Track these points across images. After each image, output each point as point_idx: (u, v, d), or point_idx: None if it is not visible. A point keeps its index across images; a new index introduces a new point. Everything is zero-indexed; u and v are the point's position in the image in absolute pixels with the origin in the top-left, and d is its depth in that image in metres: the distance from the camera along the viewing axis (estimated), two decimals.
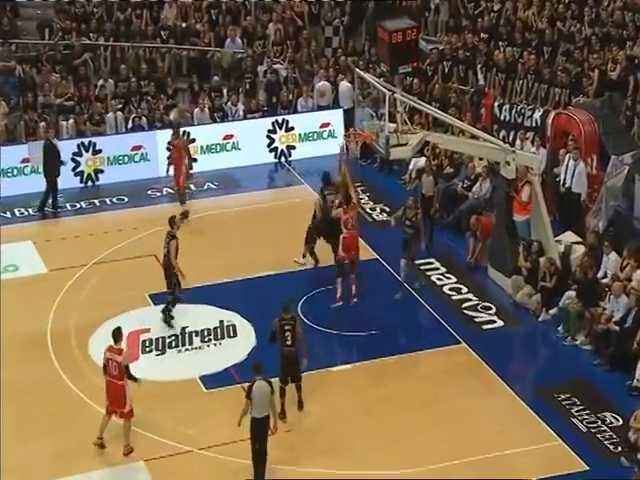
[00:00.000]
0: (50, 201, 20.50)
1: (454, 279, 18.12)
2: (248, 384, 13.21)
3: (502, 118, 21.11)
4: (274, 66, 24.16)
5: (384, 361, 15.84)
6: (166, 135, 21.93)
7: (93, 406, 14.65)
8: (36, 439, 14.08)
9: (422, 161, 20.51)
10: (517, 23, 23.31)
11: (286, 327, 14.37)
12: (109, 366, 13.89)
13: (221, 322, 16.79)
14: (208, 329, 16.63)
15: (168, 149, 21.27)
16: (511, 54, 22.49)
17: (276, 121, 22.87)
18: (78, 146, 21.49)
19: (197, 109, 22.96)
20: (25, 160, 21.01)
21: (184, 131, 21.46)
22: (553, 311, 16.77)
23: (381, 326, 16.62)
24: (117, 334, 14.05)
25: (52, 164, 20.57)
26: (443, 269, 18.42)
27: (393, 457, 13.71)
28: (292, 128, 22.89)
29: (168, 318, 16.73)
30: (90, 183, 21.70)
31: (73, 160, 21.34)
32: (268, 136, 22.79)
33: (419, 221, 17.64)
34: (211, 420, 14.60)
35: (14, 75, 23.49)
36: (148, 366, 15.66)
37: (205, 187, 21.59)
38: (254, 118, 23.12)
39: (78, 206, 20.85)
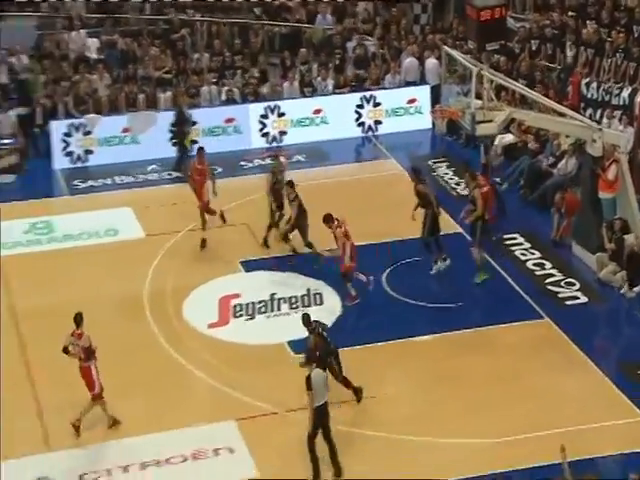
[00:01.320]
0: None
1: (538, 254, 17.63)
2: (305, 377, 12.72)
3: (589, 96, 20.47)
4: (363, 42, 23.87)
5: (467, 333, 15.50)
6: (258, 108, 21.93)
7: (187, 366, 14.71)
8: (132, 396, 14.17)
9: (508, 137, 20.02)
10: (606, 1, 22.51)
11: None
12: (73, 351, 13.50)
13: (308, 290, 16.67)
14: (296, 296, 16.52)
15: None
16: (597, 32, 21.75)
17: (364, 96, 22.59)
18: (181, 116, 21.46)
19: (287, 83, 22.85)
20: (125, 130, 21.11)
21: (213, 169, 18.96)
22: (638, 288, 16.20)
23: (464, 299, 16.30)
24: (78, 319, 13.59)
25: (183, 130, 20.74)
26: (527, 244, 17.94)
27: (472, 427, 13.39)
28: (379, 104, 22.58)
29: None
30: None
31: (171, 131, 21.39)
32: (356, 111, 22.53)
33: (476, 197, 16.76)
34: (298, 383, 14.51)
35: (117, 48, 23.66)
36: (238, 330, 15.67)
37: (294, 159, 21.40)
38: (343, 93, 22.90)
39: (175, 175, 20.87)
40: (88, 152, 21.15)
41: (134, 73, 22.91)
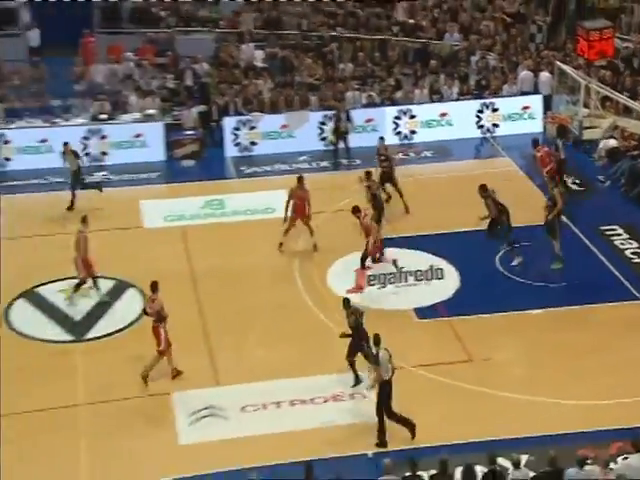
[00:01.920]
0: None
1: (636, 245, 16.80)
2: (373, 355, 12.39)
3: None
4: (485, 56, 23.19)
5: (569, 310, 14.99)
6: (393, 111, 21.72)
7: (328, 324, 14.72)
8: (284, 345, 14.31)
9: (611, 142, 19.13)
10: None
11: None
12: (150, 311, 13.46)
13: (431, 266, 16.37)
14: (420, 270, 16.26)
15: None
16: None
17: (484, 103, 21.88)
18: (323, 117, 21.49)
19: (418, 90, 22.46)
20: (283, 126, 21.20)
21: None
22: None
23: (567, 280, 15.72)
24: (154, 286, 13.55)
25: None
26: (626, 235, 17.10)
27: (576, 391, 12.97)
28: (497, 109, 21.85)
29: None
30: (332, 147, 21.49)
31: (320, 128, 21.36)
32: (477, 115, 21.85)
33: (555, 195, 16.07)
34: (420, 344, 14.36)
35: (278, 59, 23.76)
36: (372, 296, 15.55)
37: (422, 155, 21.05)
38: (466, 99, 22.34)
39: (322, 164, 20.82)
40: (253, 143, 21.31)
41: (292, 79, 23.01)
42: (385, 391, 12.21)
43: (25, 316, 14.80)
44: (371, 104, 22.25)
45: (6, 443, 11.94)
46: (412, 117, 21.75)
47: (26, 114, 21.02)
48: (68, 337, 14.44)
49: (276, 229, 17.73)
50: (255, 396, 13.08)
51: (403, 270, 16.27)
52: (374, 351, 12.41)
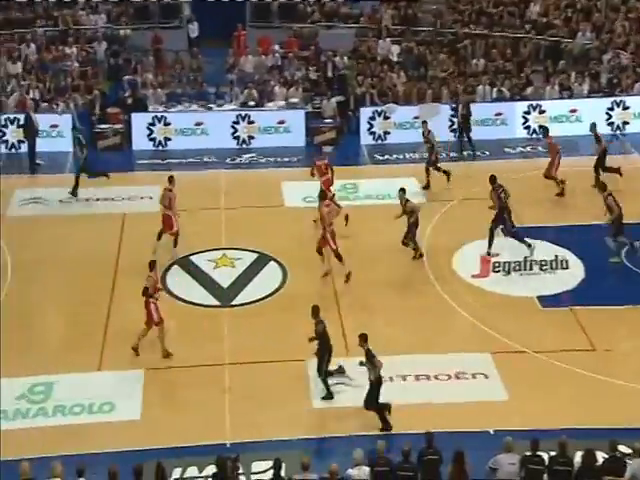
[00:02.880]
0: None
1: None
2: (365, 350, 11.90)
3: None
4: (618, 55, 22.04)
5: None
6: (522, 106, 21.00)
7: (453, 305, 14.52)
8: (409, 322, 14.18)
9: None
10: None
11: None
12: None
13: (556, 256, 15.80)
14: (545, 260, 15.71)
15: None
16: None
17: (615, 101, 20.91)
18: (452, 109, 21.06)
19: (548, 87, 21.62)
20: (415, 117, 20.74)
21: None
22: None
23: None
24: (152, 265, 13.47)
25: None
26: None
27: None
28: (628, 107, 20.82)
29: None
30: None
31: (450, 120, 20.88)
32: (607, 112, 20.90)
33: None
34: (544, 331, 13.90)
35: (412, 54, 23.46)
36: (496, 282, 15.21)
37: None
38: (596, 97, 21.35)
39: (452, 155, 20.28)
40: (386, 133, 21.15)
41: (425, 73, 22.69)
42: (378, 387, 11.89)
43: (179, 281, 15.35)
44: (501, 99, 21.66)
45: (162, 392, 12.49)
46: (541, 112, 20.98)
47: (184, 99, 21.76)
48: (216, 302, 14.89)
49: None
50: (382, 369, 12.99)
51: (528, 259, 15.82)
52: (364, 349, 11.97)
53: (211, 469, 10.79)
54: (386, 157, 20.43)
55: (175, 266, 15.76)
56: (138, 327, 13.85)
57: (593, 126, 18.54)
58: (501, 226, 15.87)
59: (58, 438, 11.49)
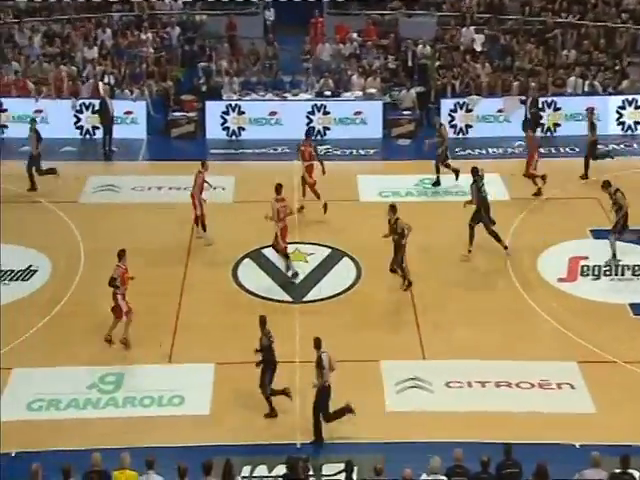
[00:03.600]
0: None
1: None
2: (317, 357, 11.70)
3: None
4: None
5: None
6: (617, 100, 20.34)
7: (537, 310, 14.19)
8: (488, 326, 13.92)
9: None
10: None
11: None
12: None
13: None
14: (638, 265, 15.24)
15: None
16: None
17: None
18: (543, 103, 20.57)
19: None
20: (499, 110, 20.56)
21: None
22: None
23: None
24: (120, 254, 13.41)
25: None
26: None
27: None
28: None
29: None
30: (549, 133, 20.70)
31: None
32: None
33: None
34: (635, 341, 13.45)
35: (498, 43, 23.05)
36: (584, 287, 14.83)
37: None
38: None
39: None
40: (468, 126, 20.82)
41: (511, 64, 22.23)
42: (324, 395, 11.63)
43: (251, 274, 15.47)
44: (593, 92, 21.06)
45: (232, 388, 12.61)
46: (637, 108, 20.30)
47: (259, 87, 21.91)
48: (287, 297, 14.94)
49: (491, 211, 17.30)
50: (460, 373, 12.87)
51: (620, 263, 15.33)
52: (316, 355, 11.70)
53: (280, 469, 10.87)
54: (467, 152, 20.12)
55: (247, 259, 15.90)
56: (208, 319, 14.07)
57: (591, 111, 17.95)
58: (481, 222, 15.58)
59: (127, 429, 11.72)
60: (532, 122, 19.77)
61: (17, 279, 14.88)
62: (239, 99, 21.27)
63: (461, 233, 16.39)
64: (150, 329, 13.90)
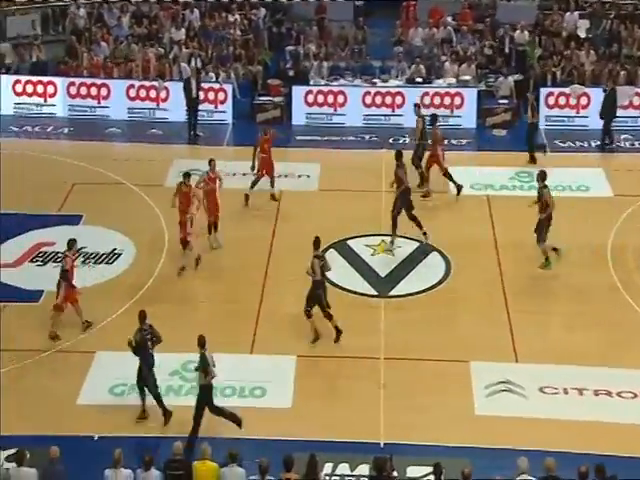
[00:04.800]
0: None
1: None
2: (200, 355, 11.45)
3: None
4: None
5: None
6: None
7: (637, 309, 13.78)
8: (589, 331, 13.62)
9: None
10: None
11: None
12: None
13: None
14: None
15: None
16: None
17: None
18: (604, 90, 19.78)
19: None
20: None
21: None
22: None
23: None
24: (71, 244, 13.35)
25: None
26: None
27: None
28: None
29: None
30: None
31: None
32: None
33: None
34: None
35: (604, 29, 22.38)
36: None
37: None
38: None
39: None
40: (569, 117, 20.28)
41: (618, 52, 21.55)
42: (206, 394, 11.44)
43: (335, 266, 15.41)
44: None
45: (314, 381, 12.70)
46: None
47: (347, 72, 21.89)
48: (373, 291, 14.90)
49: (590, 208, 16.84)
50: (555, 379, 12.59)
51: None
52: (199, 353, 11.46)
53: (363, 468, 10.89)
54: (568, 144, 19.62)
55: (331, 249, 15.94)
56: (290, 310, 14.19)
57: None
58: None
59: (208, 418, 11.91)
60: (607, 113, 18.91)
61: (102, 262, 15.33)
62: (327, 84, 21.31)
63: (558, 229, 16.08)
64: (232, 317, 14.11)
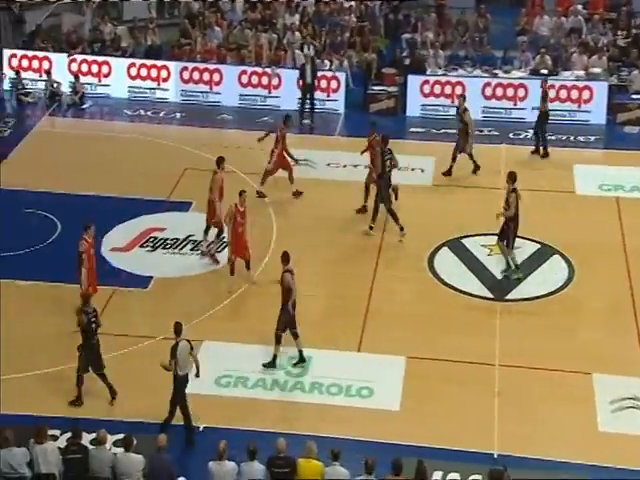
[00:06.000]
0: None
1: None
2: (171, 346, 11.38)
3: None
4: None
5: None
6: None
7: None
8: None
9: None
10: None
11: None
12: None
13: None
14: None
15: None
16: None
17: None
18: None
19: None
20: None
21: None
22: None
23: None
24: (86, 227, 13.32)
25: None
26: None
27: None
28: None
29: None
30: None
31: None
32: None
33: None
34: None
35: None
36: None
37: None
38: None
39: None
40: None
41: None
42: (180, 385, 11.40)
43: (448, 265, 15.26)
44: None
45: (424, 384, 12.57)
46: None
47: (466, 62, 21.54)
48: (488, 294, 14.59)
49: None
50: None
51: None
52: (174, 341, 11.37)
53: (475, 479, 10.68)
54: None
55: (444, 248, 15.72)
56: (400, 308, 14.08)
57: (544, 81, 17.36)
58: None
59: (312, 416, 11.97)
60: None
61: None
62: (444, 74, 21.04)
63: None
64: (338, 313, 14.11)
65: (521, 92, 20.26)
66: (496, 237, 15.08)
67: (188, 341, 11.53)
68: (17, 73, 21.09)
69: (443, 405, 12.25)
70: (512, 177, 14.72)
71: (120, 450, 10.46)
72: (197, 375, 11.55)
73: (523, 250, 15.49)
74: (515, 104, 20.28)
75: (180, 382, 11.46)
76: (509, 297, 14.52)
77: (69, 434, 10.79)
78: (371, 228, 15.89)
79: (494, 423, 11.84)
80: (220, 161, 15.09)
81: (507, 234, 14.72)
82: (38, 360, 12.73)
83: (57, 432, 11.18)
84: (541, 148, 18.46)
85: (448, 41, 22.28)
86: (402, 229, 15.75)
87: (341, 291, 14.63)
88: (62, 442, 10.89)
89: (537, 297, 14.44)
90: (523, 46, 21.57)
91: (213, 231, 15.20)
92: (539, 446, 11.41)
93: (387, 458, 10.20)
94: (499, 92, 20.33)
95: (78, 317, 11.88)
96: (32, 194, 16.82)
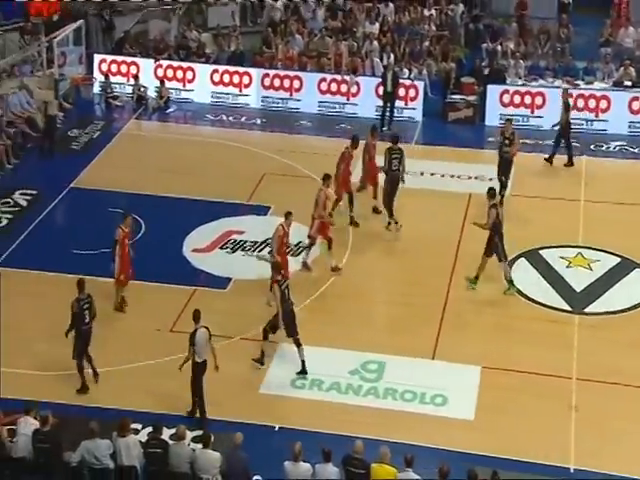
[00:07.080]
0: None
1: None
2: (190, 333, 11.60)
3: None
4: None
5: None
6: None
7: None
8: None
9: None
10: None
11: None
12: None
13: None
14: None
15: None
16: None
17: None
18: None
19: None
20: None
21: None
22: None
23: None
24: (126, 216, 13.86)
25: None
26: None
27: None
28: None
29: None
30: None
31: None
32: None
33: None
34: None
35: None
36: None
37: None
38: None
39: None
40: None
41: None
42: (199, 372, 11.58)
43: (525, 276, 15.06)
44: None
45: (500, 395, 12.41)
46: None
47: (548, 73, 21.26)
48: (566, 306, 14.36)
49: None
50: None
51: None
52: (193, 328, 11.53)
53: None
54: None
55: (522, 258, 15.52)
56: (475, 318, 13.97)
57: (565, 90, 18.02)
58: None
59: (386, 422, 11.96)
60: None
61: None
62: (524, 84, 20.79)
63: None
64: (413, 319, 14.05)
65: (603, 104, 19.89)
66: (591, 250, 15.14)
67: (207, 328, 11.68)
68: (106, 77, 21.69)
69: (518, 417, 12.10)
70: (491, 194, 14.63)
71: (198, 446, 10.65)
72: (216, 368, 11.64)
73: (603, 264, 15.24)
74: (597, 116, 19.91)
75: (199, 369, 11.66)
76: (587, 310, 14.26)
77: (150, 428, 11.07)
78: (389, 223, 16.06)
79: (570, 437, 11.66)
80: (326, 178, 15.08)
81: (493, 249, 14.42)
82: (133, 355, 13.04)
83: (139, 426, 11.44)
84: (566, 157, 18.35)
85: (529, 51, 22.02)
86: (397, 222, 15.99)
87: (416, 297, 14.59)
88: (143, 436, 11.15)
89: (616, 312, 14.16)
90: (606, 57, 21.22)
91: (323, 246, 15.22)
92: (617, 462, 11.18)
93: (460, 467, 10.14)
94: (580, 103, 20.00)
95: (72, 304, 12.12)
96: (118, 194, 17.30)
